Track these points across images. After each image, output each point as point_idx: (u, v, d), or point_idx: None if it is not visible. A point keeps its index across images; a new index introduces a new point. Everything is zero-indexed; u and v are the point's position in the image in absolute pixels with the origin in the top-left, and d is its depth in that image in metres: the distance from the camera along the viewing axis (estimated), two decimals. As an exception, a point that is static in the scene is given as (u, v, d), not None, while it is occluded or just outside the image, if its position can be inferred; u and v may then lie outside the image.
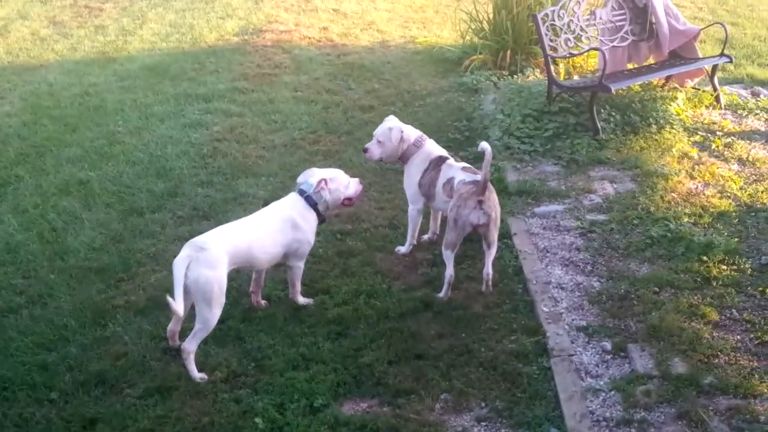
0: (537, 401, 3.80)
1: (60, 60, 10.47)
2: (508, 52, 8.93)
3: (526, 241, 5.34)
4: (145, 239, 5.65)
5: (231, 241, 4.24)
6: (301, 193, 4.62)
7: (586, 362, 4.08)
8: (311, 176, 4.67)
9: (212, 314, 4.07)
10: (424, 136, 5.26)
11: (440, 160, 5.07)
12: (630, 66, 7.98)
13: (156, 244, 5.58)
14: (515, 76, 8.55)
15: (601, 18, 7.72)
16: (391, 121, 5.27)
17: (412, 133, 5.22)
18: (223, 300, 4.14)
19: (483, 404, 3.82)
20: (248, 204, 6.13)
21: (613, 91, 6.96)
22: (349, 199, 4.78)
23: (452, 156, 5.19)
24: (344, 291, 4.81)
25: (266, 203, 6.08)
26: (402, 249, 5.27)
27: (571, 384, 3.87)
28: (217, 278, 4.05)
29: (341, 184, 4.72)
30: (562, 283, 4.83)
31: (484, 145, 4.60)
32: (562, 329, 4.34)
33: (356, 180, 4.85)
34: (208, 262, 4.04)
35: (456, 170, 4.93)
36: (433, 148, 5.20)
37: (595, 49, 7.42)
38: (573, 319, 4.45)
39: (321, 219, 4.69)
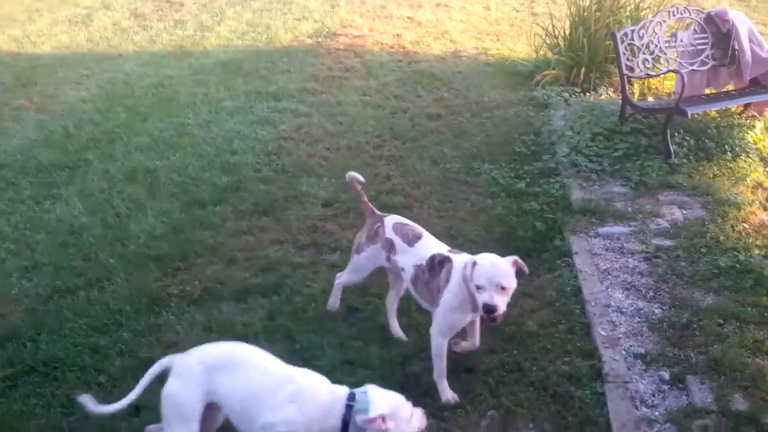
0: (588, 426, 3.67)
1: (138, 51, 10.74)
2: (582, 69, 8.77)
3: (587, 261, 5.19)
4: (204, 231, 5.71)
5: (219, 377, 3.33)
6: (349, 399, 3.27)
7: (642, 391, 3.92)
8: (369, 400, 3.25)
9: None
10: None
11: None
12: (708, 91, 7.74)
13: (215, 236, 5.63)
14: (587, 94, 8.38)
15: (682, 41, 7.51)
16: None
17: None
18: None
19: (531, 425, 3.70)
20: (308, 203, 6.14)
21: (689, 115, 6.75)
22: None
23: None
24: (397, 298, 4.75)
25: (326, 204, 6.13)
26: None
27: (624, 412, 3.72)
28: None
29: (402, 420, 3.28)
30: (622, 307, 4.67)
31: None
32: (619, 354, 4.19)
33: (420, 412, 3.40)
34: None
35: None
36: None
37: (674, 71, 7.21)
38: (631, 345, 4.30)
39: None
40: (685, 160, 6.67)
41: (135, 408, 3.79)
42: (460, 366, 4.10)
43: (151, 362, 4.11)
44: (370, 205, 4.45)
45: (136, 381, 3.98)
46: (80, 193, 6.39)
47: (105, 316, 4.61)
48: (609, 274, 5.06)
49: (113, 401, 3.83)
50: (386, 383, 3.90)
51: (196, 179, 6.60)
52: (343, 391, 3.30)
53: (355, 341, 4.34)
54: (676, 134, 6.93)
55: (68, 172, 6.84)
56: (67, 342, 4.36)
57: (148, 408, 3.77)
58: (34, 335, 4.44)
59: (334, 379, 3.92)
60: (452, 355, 4.18)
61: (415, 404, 3.78)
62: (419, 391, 3.90)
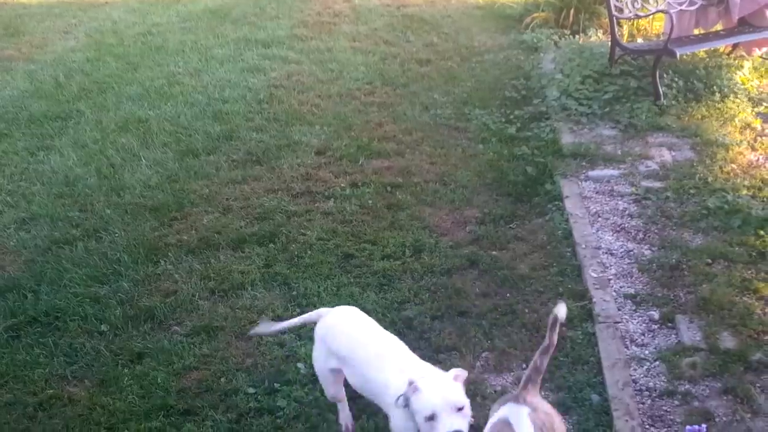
0: (579, 366, 3.78)
1: (123, -2, 10.57)
2: (572, 10, 8.71)
3: (577, 204, 5.26)
4: (199, 180, 5.74)
5: None
6: None
7: (632, 330, 4.03)
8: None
9: None
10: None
11: None
12: (696, 31, 7.70)
13: (209, 185, 5.66)
14: (577, 36, 8.34)
15: (671, -20, 7.44)
16: None
17: None
18: None
19: (524, 365, 3.81)
20: (301, 152, 6.16)
21: (678, 56, 6.73)
22: None
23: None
24: (392, 244, 4.82)
25: (318, 152, 6.16)
26: None
27: (615, 351, 3.83)
28: None
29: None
30: (612, 249, 4.76)
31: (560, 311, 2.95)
32: (609, 296, 4.29)
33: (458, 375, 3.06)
34: None
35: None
36: None
37: (663, 11, 7.16)
38: (621, 286, 4.40)
39: None
40: (674, 102, 6.69)
41: (138, 355, 3.89)
42: (453, 310, 4.20)
43: (150, 311, 4.22)
44: None
45: (138, 329, 4.09)
46: (74, 143, 6.38)
47: (104, 267, 4.67)
48: (599, 216, 5.13)
49: (115, 350, 3.94)
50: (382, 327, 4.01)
51: (189, 128, 6.60)
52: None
53: (351, 287, 4.42)
54: (665, 76, 6.94)
55: (60, 122, 6.82)
56: (68, 292, 4.43)
57: (150, 355, 3.87)
58: (34, 286, 4.50)
59: (332, 324, 4.02)
60: (446, 300, 4.27)
61: (411, 348, 3.88)
62: (414, 335, 4.00)
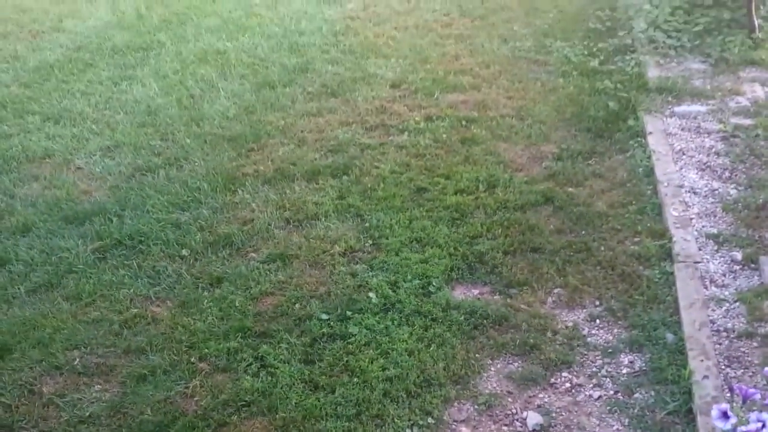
0: (655, 305, 3.71)
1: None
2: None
3: (661, 141, 5.08)
4: (275, 112, 5.79)
5: None
6: None
7: (713, 271, 3.91)
8: None
9: None
10: None
11: None
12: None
13: (285, 117, 5.71)
14: (669, -36, 7.92)
15: None
16: None
17: None
18: None
19: (597, 302, 3.76)
20: (376, 84, 6.12)
21: (779, -15, 6.35)
22: None
23: None
24: (465, 178, 4.78)
25: (393, 85, 6.10)
26: None
27: (693, 291, 3.74)
28: None
29: None
30: (696, 187, 4.60)
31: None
32: (690, 235, 4.16)
33: None
34: None
35: None
36: None
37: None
38: (703, 226, 4.26)
39: None
40: (771, 35, 6.34)
41: (217, 279, 4.01)
42: (526, 245, 4.16)
43: (228, 238, 4.34)
44: None
45: (216, 255, 4.22)
46: (155, 74, 6.51)
47: (184, 194, 4.80)
48: (684, 154, 4.95)
49: (196, 273, 4.07)
50: (453, 261, 4.02)
51: (266, 60, 6.64)
52: None
53: (423, 220, 4.42)
54: (761, 7, 6.55)
55: (142, 53, 6.96)
56: (150, 218, 4.57)
57: (229, 280, 3.99)
58: (119, 211, 4.67)
59: (402, 257, 4.06)
60: (519, 235, 4.23)
61: (482, 282, 3.89)
62: (485, 269, 3.99)
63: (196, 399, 3.23)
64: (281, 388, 3.24)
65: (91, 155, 5.35)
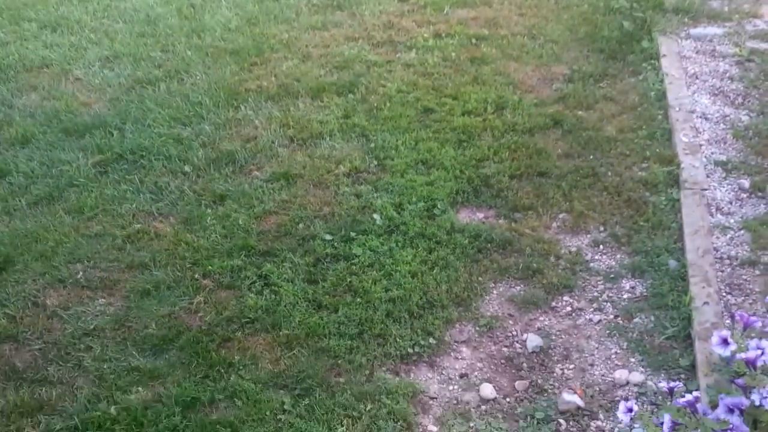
0: (659, 231, 3.69)
1: None
2: None
3: (675, 64, 4.96)
4: (279, 24, 5.64)
5: None
6: None
7: (719, 198, 3.88)
8: None
9: None
10: None
11: None
12: None
13: (289, 30, 5.56)
14: None
15: None
16: None
17: None
18: None
19: (602, 228, 3.74)
20: (383, -2, 5.95)
21: None
22: None
23: None
24: (473, 99, 4.68)
25: (402, -1, 5.91)
26: None
27: (699, 218, 3.71)
28: None
29: None
30: (708, 113, 4.51)
31: None
32: (699, 161, 4.11)
33: None
34: None
35: None
36: None
37: None
38: (712, 153, 4.20)
39: None
40: (794, -45, 6.12)
41: (220, 196, 3.98)
42: (533, 169, 4.11)
43: (231, 155, 4.28)
44: None
45: (219, 172, 4.17)
46: (154, -18, 6.32)
47: (186, 108, 4.72)
48: (697, 78, 4.84)
49: (198, 190, 4.04)
50: (459, 184, 3.97)
51: (269, -31, 6.42)
52: None
53: (429, 141, 4.35)
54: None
55: (141, -40, 6.73)
56: (152, 132, 4.51)
57: (232, 198, 3.96)
58: (119, 124, 4.60)
59: (407, 179, 4.01)
60: (526, 159, 4.18)
61: (488, 206, 3.85)
62: (491, 193, 3.95)
63: (200, 315, 3.25)
64: (285, 306, 3.26)
65: (90, 65, 5.24)
